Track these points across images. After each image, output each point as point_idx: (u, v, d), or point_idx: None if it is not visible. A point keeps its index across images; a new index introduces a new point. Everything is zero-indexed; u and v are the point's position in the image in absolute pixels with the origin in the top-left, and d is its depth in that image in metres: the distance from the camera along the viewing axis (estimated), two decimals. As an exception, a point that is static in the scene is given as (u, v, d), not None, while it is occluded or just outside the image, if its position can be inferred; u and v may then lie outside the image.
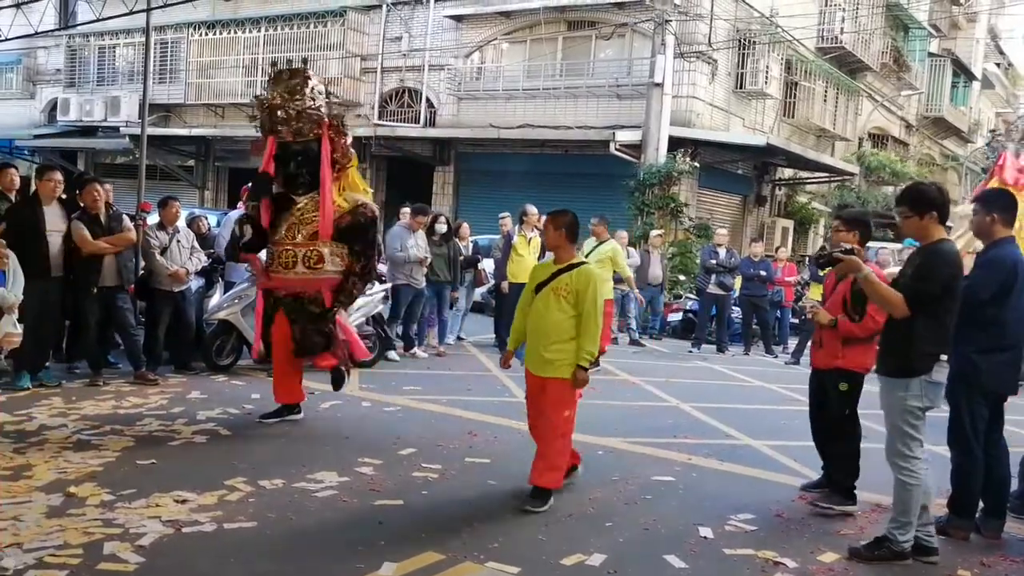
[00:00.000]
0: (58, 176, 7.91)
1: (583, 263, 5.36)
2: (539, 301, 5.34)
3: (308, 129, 6.77)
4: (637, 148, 16.86)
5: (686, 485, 5.93)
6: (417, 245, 10.42)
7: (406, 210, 11.11)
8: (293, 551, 4.37)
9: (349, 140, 7.14)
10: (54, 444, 5.93)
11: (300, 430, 6.83)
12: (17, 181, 8.65)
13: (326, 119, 6.87)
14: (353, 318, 9.35)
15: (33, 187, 8.20)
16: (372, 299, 9.61)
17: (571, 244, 5.40)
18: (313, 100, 6.81)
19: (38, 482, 5.12)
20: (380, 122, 20.22)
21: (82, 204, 8.04)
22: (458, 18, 19.77)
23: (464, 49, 19.86)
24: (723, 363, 12.24)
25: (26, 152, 24.86)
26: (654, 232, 14.90)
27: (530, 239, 11.31)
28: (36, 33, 16.08)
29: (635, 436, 7.23)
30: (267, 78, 7.05)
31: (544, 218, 5.33)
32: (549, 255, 5.61)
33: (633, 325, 13.67)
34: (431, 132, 19.86)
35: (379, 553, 4.34)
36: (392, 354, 10.20)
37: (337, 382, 7.29)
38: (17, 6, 12.21)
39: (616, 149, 16.59)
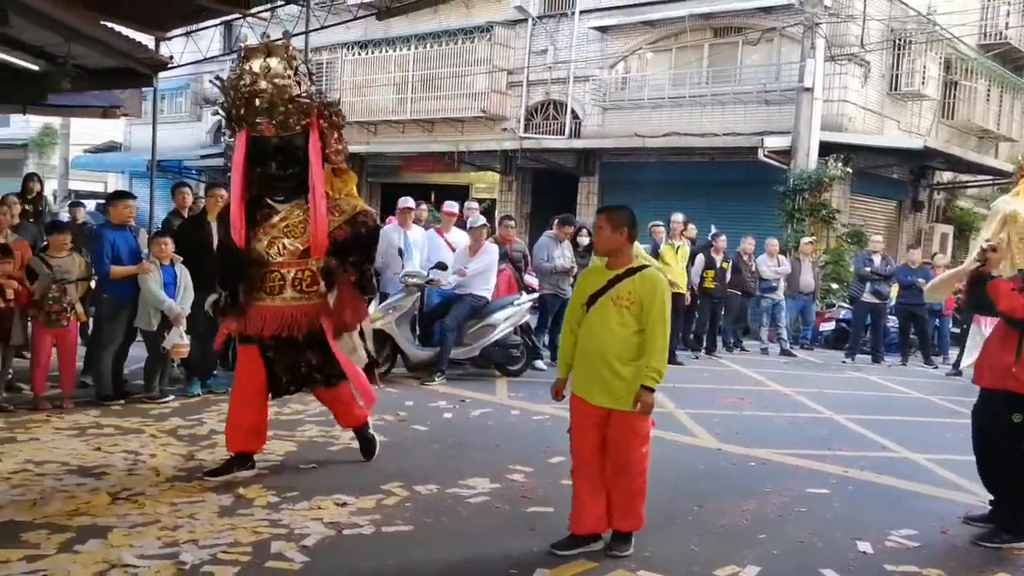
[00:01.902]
0: (222, 192, 8.31)
1: (645, 266, 4.56)
2: (594, 315, 4.51)
3: (295, 121, 5.55)
4: (786, 154, 16.44)
5: (842, 498, 5.75)
6: (563, 255, 10.50)
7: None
8: (449, 556, 4.47)
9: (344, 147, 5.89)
10: (223, 447, 6.18)
11: (451, 437, 6.96)
12: (190, 199, 9.22)
13: (315, 107, 5.62)
14: (500, 328, 9.53)
15: (202, 205, 8.72)
16: (520, 309, 9.75)
17: (629, 246, 4.60)
18: (300, 84, 5.56)
19: (210, 483, 5.41)
20: (526, 135, 20.46)
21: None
22: (603, 29, 19.79)
23: (609, 60, 19.86)
24: (879, 374, 11.79)
25: (194, 172, 26.33)
26: (805, 239, 14.53)
27: (677, 247, 11.22)
28: (204, 59, 17.15)
29: (787, 447, 7.06)
30: (239, 54, 5.68)
31: (598, 216, 4.65)
32: (596, 260, 4.79)
33: (784, 335, 13.36)
34: (576, 143, 19.93)
35: (532, 559, 4.39)
36: (539, 363, 10.29)
37: (366, 450, 6.16)
38: (187, 34, 13.07)
39: (765, 156, 16.23)
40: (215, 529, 4.60)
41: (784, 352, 13.13)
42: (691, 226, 12.83)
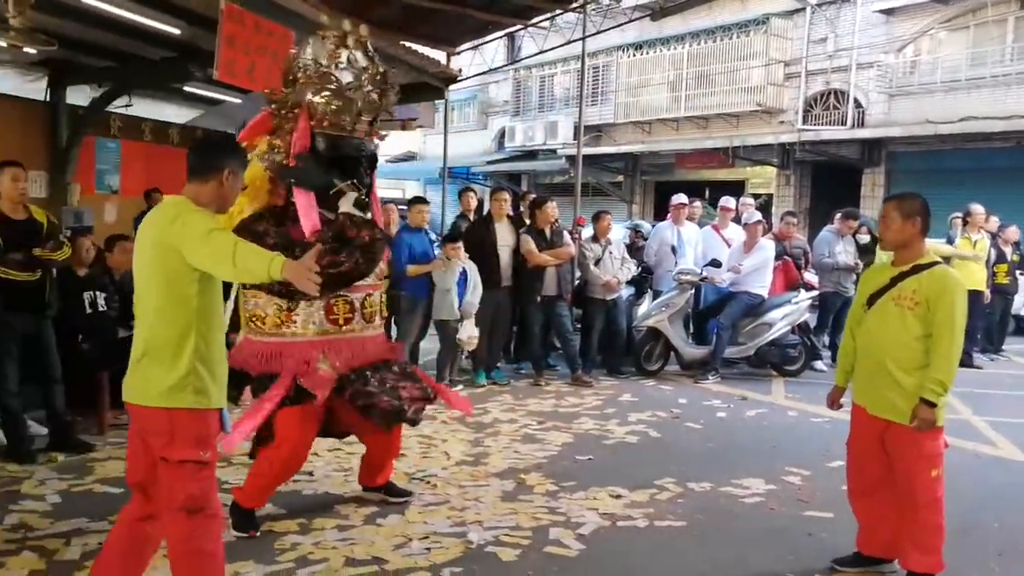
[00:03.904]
0: (505, 196, 8.91)
1: (935, 263, 4.03)
2: (874, 315, 4.12)
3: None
4: (1110, 134, 14.77)
5: None
6: (846, 251, 10.06)
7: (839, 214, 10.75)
8: (721, 554, 4.46)
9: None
10: (505, 436, 6.66)
11: (725, 436, 6.95)
12: (474, 203, 9.83)
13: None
14: (777, 326, 9.32)
15: (487, 207, 9.25)
16: (798, 307, 9.48)
17: (921, 239, 4.07)
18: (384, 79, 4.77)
19: (494, 468, 5.78)
20: (804, 127, 19.75)
21: (528, 221, 8.93)
22: (889, 11, 18.70)
23: (896, 43, 18.74)
24: None
25: (480, 176, 27.71)
26: None
27: (975, 241, 10.43)
28: (489, 70, 18.14)
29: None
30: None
31: (885, 205, 4.16)
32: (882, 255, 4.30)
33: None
34: (860, 133, 18.97)
35: (809, 564, 4.31)
36: (819, 364, 9.95)
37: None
38: (474, 47, 13.91)
39: (1083, 137, 14.69)
40: (498, 512, 4.91)
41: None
42: (993, 218, 11.84)
